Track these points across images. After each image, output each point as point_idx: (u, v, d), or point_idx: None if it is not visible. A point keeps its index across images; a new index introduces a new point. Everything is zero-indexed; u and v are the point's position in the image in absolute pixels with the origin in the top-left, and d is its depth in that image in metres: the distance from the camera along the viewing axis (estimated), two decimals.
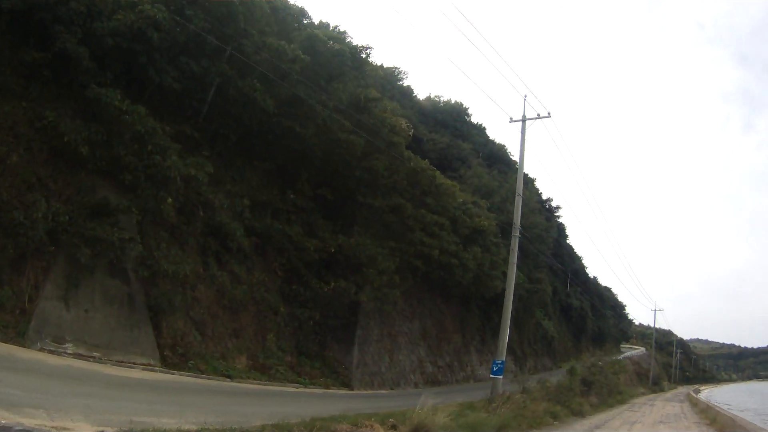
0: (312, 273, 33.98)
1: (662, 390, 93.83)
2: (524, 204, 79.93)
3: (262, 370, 27.50)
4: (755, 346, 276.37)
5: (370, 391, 34.52)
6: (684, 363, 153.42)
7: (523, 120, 32.09)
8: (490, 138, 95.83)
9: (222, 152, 31.07)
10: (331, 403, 23.05)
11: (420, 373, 41.91)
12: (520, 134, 31.95)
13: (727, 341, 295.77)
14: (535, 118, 32.42)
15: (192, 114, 29.05)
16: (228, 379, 24.37)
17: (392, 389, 37.56)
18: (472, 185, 68.27)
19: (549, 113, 32.17)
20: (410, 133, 48.28)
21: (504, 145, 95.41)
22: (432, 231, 42.10)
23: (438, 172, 47.60)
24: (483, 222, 51.68)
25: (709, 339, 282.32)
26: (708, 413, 36.22)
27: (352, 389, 33.08)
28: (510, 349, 64.68)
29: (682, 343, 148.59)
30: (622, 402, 49.99)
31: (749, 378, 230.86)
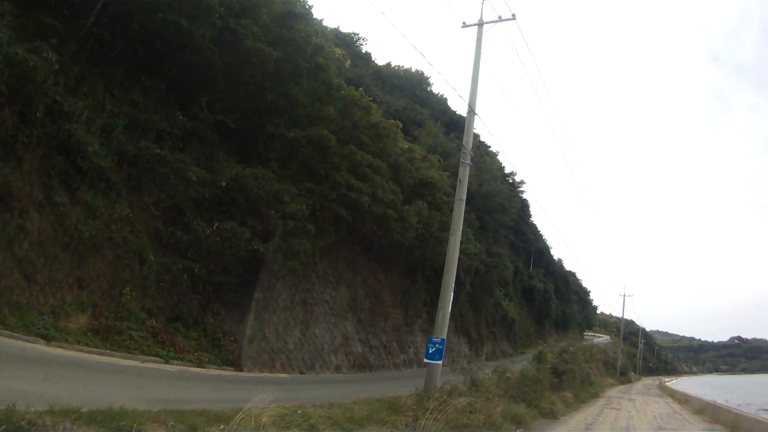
0: (201, 214, 25.91)
1: (629, 381, 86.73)
2: (484, 171, 72.58)
3: (105, 335, 20.01)
4: (715, 340, 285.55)
5: (265, 374, 25.77)
6: (646, 354, 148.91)
7: (480, 24, 23.06)
8: (452, 108, 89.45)
9: (101, 62, 24.45)
10: (157, 387, 16.11)
11: (345, 354, 32.37)
12: (475, 42, 22.79)
13: (687, 334, 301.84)
14: (496, 21, 23.42)
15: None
16: (42, 341, 17.31)
17: (302, 373, 28.20)
18: (425, 144, 59.50)
19: (513, 15, 23.15)
20: (346, 63, 38.69)
21: (462, 115, 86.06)
22: (363, 173, 32.48)
23: (375, 107, 37.85)
24: (432, 173, 41.93)
25: (669, 331, 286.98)
26: (715, 414, 28.00)
27: (241, 369, 24.63)
28: (464, 331, 55.91)
29: (645, 334, 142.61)
30: (595, 395, 41.44)
31: (709, 371, 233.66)
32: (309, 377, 28.05)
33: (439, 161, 49.34)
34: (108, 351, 19.12)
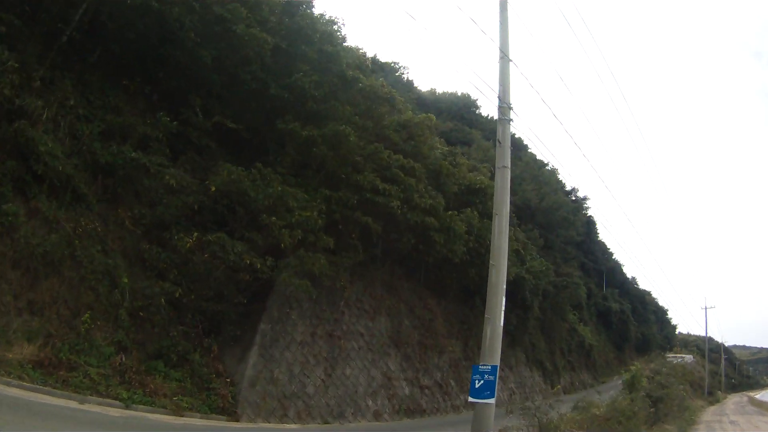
0: (189, 230, 20.55)
1: (717, 400, 77.17)
2: (543, 184, 65.77)
3: (51, 370, 15.51)
4: None
5: (272, 425, 19.62)
6: (728, 370, 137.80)
7: None
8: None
9: (77, 68, 21.12)
10: None
11: (387, 397, 25.68)
12: None
13: (766, 345, 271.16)
14: None
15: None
16: None
17: (326, 422, 21.68)
18: (475, 160, 52.69)
19: None
20: (367, 62, 32.68)
21: (514, 133, 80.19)
22: (392, 175, 26.05)
23: (402, 101, 31.77)
24: (481, 178, 35.26)
25: (747, 344, 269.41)
26: None
27: (237, 419, 18.69)
28: (537, 361, 48.06)
29: (725, 349, 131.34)
30: (692, 422, 33.14)
31: None
32: (336, 428, 21.39)
33: (490, 171, 42.48)
34: (52, 388, 14.69)
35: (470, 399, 13.07)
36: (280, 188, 21.67)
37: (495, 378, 12.69)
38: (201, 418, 17.58)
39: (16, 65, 17.50)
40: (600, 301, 77.38)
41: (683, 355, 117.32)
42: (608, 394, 27.88)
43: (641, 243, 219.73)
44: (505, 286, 13.70)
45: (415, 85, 79.53)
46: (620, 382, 28.60)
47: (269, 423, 19.53)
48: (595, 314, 74.60)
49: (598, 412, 19.95)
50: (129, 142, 20.32)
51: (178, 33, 21.94)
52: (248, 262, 19.98)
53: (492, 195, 34.89)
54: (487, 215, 33.52)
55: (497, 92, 15.27)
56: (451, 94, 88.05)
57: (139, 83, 22.43)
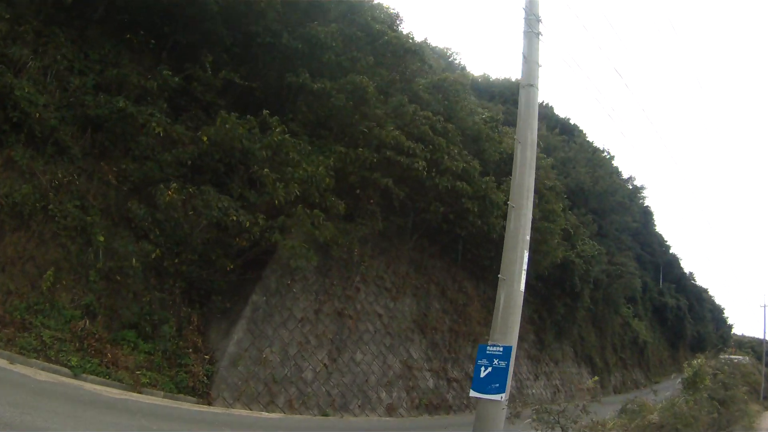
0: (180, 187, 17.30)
1: None
2: (597, 166, 60.88)
3: (1, 329, 13.42)
4: None
5: (250, 413, 16.20)
6: None
7: None
8: (558, 114, 79.10)
9: (77, 25, 18.71)
10: None
11: (405, 389, 21.83)
12: None
13: None
14: None
15: None
16: None
17: (325, 414, 17.82)
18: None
19: None
20: (397, 19, 29.05)
21: (569, 118, 77.08)
22: (420, 133, 21.96)
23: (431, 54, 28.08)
24: None
25: None
26: None
27: (210, 402, 15.55)
28: (586, 357, 43.42)
29: None
30: (750, 428, 28.09)
31: None
32: (332, 422, 17.62)
33: (540, 146, 38.05)
34: None
35: (472, 393, 9.40)
36: (279, 138, 17.94)
37: (508, 365, 8.98)
38: (164, 397, 14.62)
39: (7, 16, 16.16)
40: (656, 295, 71.77)
41: (738, 357, 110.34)
42: (663, 395, 23.35)
43: (700, 237, 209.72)
44: (528, 238, 10.04)
45: (468, 70, 75.16)
46: (678, 381, 23.57)
47: (250, 410, 16.08)
48: (650, 309, 69.10)
49: (651, 417, 15.50)
50: (123, 95, 17.41)
51: None
52: (234, 218, 16.48)
53: (538, 164, 31.07)
54: (538, 197, 29.41)
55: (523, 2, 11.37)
56: (505, 79, 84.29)
57: (143, 38, 19.36)
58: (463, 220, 24.07)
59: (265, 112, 18.74)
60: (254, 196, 17.65)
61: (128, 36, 19.06)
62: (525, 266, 9.83)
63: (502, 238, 25.91)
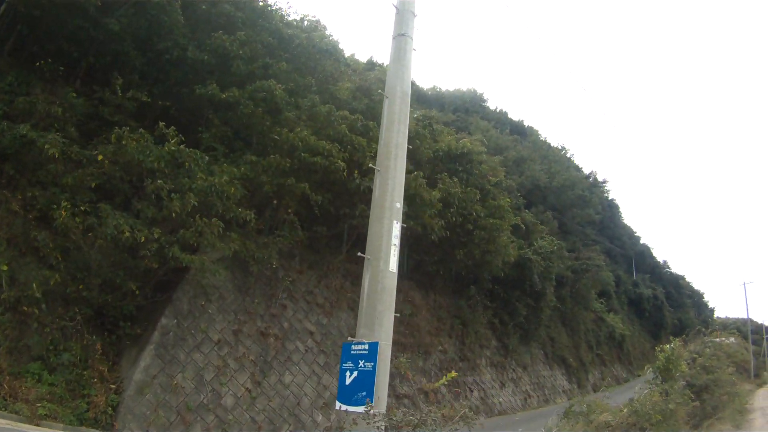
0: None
1: (765, 382, 70.70)
2: (553, 161, 60.51)
3: None
4: None
5: None
6: None
7: None
8: (513, 119, 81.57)
9: None
10: None
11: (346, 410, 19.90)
12: None
13: None
14: None
15: None
16: None
17: None
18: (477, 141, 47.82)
19: None
20: (319, 27, 28.32)
21: (522, 120, 78.12)
22: (336, 133, 20.99)
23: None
24: (464, 143, 30.22)
25: None
26: None
27: None
28: (559, 358, 42.35)
29: (766, 329, 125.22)
30: (742, 411, 26.55)
31: None
32: None
33: (482, 143, 37.25)
34: None
35: (338, 405, 7.78)
36: (172, 149, 16.80)
37: (375, 366, 7.38)
38: (63, 429, 13.60)
39: None
40: (630, 288, 71.66)
41: (724, 339, 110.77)
42: (636, 391, 21.85)
43: (671, 225, 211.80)
44: (399, 206, 8.66)
45: (417, 83, 76.76)
46: (649, 370, 21.75)
47: None
48: (626, 302, 68.86)
49: (610, 421, 13.85)
50: (31, 123, 16.70)
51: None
52: (127, 234, 15.32)
53: (479, 160, 30.17)
54: (475, 185, 28.43)
55: None
56: (456, 90, 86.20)
57: (52, 65, 18.67)
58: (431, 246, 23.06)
59: (161, 124, 17.69)
60: (152, 210, 16.45)
61: (38, 64, 18.53)
62: (397, 242, 8.54)
63: (442, 240, 25.07)
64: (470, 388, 28.02)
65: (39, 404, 13.71)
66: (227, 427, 16.22)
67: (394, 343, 23.19)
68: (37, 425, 13.19)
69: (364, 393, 7.31)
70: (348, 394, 7.55)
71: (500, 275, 31.76)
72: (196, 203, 16.32)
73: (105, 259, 16.23)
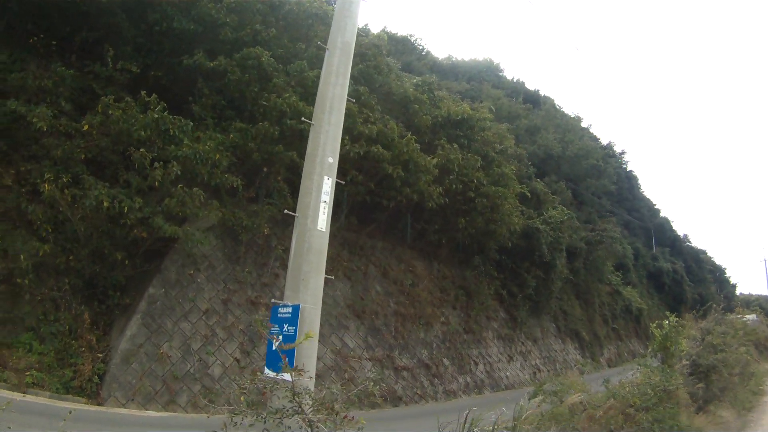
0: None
1: None
2: (566, 130, 60.01)
3: None
4: None
5: (144, 413, 15.10)
6: None
7: None
8: (529, 88, 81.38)
9: None
10: None
11: (342, 381, 20.15)
12: None
13: None
14: None
15: None
16: None
17: (236, 413, 16.16)
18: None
19: None
20: None
21: (538, 90, 77.99)
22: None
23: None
24: (464, 108, 30.01)
25: None
26: None
27: (101, 403, 14.76)
28: (572, 332, 42.25)
29: None
30: (760, 393, 24.77)
31: None
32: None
33: (491, 109, 36.93)
34: None
35: (266, 372, 7.56)
36: (155, 116, 16.92)
37: (296, 329, 7.46)
38: (50, 397, 14.07)
39: None
40: (649, 261, 71.06)
41: (746, 316, 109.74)
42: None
43: (692, 198, 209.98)
44: (332, 161, 8.69)
45: (433, 54, 77.17)
46: (650, 349, 20.04)
47: (146, 410, 15.08)
48: (644, 276, 68.37)
49: (578, 401, 12.66)
50: (23, 98, 17.23)
51: None
52: (107, 204, 15.61)
53: (482, 126, 30.00)
54: (478, 151, 28.28)
55: None
56: (471, 59, 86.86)
57: (44, 40, 18.99)
58: (388, 189, 22.93)
59: (143, 92, 17.78)
60: (136, 180, 16.59)
61: (32, 41, 18.77)
62: (327, 198, 8.41)
63: (442, 207, 25.03)
64: (475, 362, 28.01)
65: (27, 373, 14.22)
66: (214, 396, 16.34)
67: (393, 313, 23.32)
68: (24, 393, 13.63)
69: (288, 359, 6.63)
70: (274, 360, 7.29)
71: (507, 245, 31.60)
72: (179, 171, 16.47)
73: (93, 229, 16.54)
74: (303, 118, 9.80)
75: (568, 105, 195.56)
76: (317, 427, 5.50)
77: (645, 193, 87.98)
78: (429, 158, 23.81)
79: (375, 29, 52.85)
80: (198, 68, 20.53)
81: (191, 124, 18.03)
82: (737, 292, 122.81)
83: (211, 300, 18.10)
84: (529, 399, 12.11)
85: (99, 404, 14.57)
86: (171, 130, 17.23)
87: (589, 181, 56.35)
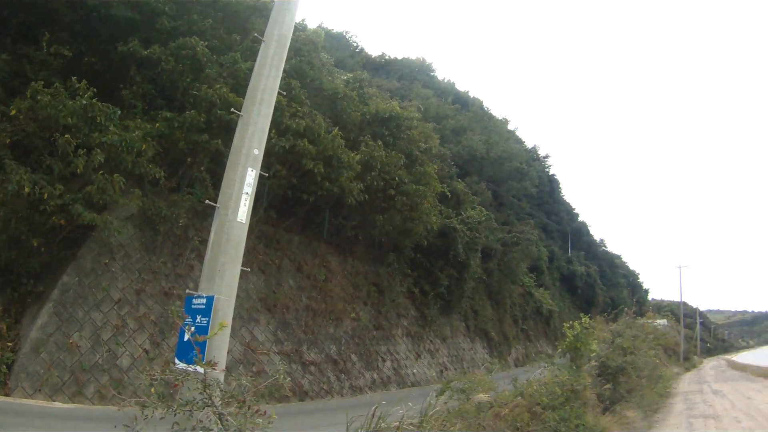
0: None
1: (694, 366, 74.98)
2: (493, 132, 61.97)
3: None
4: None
5: (53, 404, 15.47)
6: (703, 334, 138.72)
7: None
8: (460, 90, 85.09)
9: None
10: None
11: (250, 374, 20.83)
12: None
13: (739, 308, 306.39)
14: None
15: None
16: None
17: (146, 405, 16.79)
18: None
19: None
20: None
21: (467, 91, 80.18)
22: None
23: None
24: (393, 105, 31.15)
25: (721, 308, 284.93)
26: None
27: (7, 393, 15.07)
28: (481, 331, 44.07)
29: (699, 313, 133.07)
30: (665, 395, 26.47)
31: (766, 342, 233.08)
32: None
33: (419, 109, 38.22)
34: None
35: (177, 364, 7.51)
36: (85, 102, 17.40)
37: (209, 321, 7.52)
38: None
39: None
40: (564, 264, 74.62)
41: (657, 321, 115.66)
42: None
43: (610, 203, 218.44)
44: (257, 153, 8.86)
45: (367, 51, 79.85)
46: (559, 350, 20.85)
47: (53, 401, 15.56)
48: (558, 278, 71.81)
49: (486, 399, 13.13)
50: None
51: None
52: (28, 190, 15.94)
53: (409, 126, 31.19)
54: (402, 150, 29.41)
55: None
56: (404, 58, 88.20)
57: None
58: (310, 184, 23.84)
59: (73, 78, 18.18)
60: (59, 166, 17.01)
61: None
62: (250, 190, 8.57)
63: (361, 204, 26.06)
64: (383, 358, 29.30)
65: None
66: (121, 388, 16.99)
67: (305, 308, 24.29)
68: None
69: (199, 351, 6.68)
70: (185, 351, 7.36)
71: (423, 244, 32.91)
72: (102, 159, 16.97)
73: (12, 215, 16.64)
74: (233, 109, 10.32)
75: (496, 107, 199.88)
76: (227, 420, 5.62)
77: (565, 198, 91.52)
78: (353, 154, 24.83)
79: (312, 24, 53.59)
80: (132, 56, 21.02)
81: (119, 112, 18.52)
82: (649, 298, 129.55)
83: (124, 290, 18.66)
84: (436, 396, 12.37)
85: (6, 394, 14.90)
86: (98, 118, 17.66)
87: (510, 183, 58.50)
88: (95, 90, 17.97)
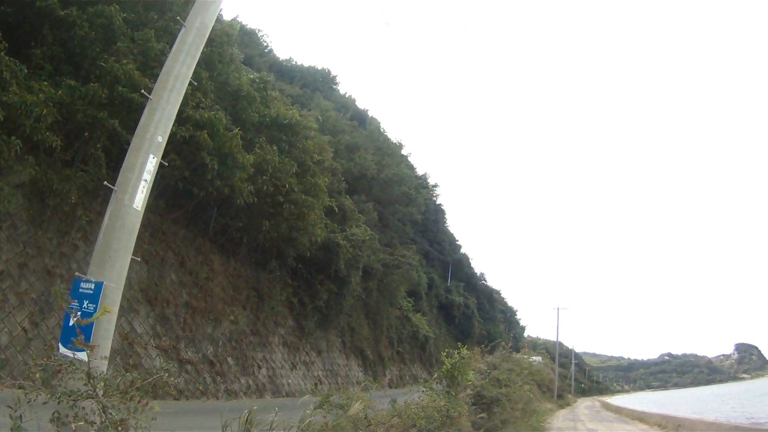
0: None
1: (568, 404, 78.79)
2: (386, 154, 63.76)
3: None
4: (645, 358, 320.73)
5: None
6: (578, 375, 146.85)
7: None
8: (359, 107, 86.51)
9: None
10: None
11: (125, 367, 21.32)
12: None
13: (616, 354, 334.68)
14: None
15: None
16: None
17: (20, 387, 16.24)
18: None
19: None
20: None
21: (367, 110, 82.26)
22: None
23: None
24: (293, 113, 32.12)
25: (597, 352, 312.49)
26: None
27: None
28: (357, 349, 45.29)
29: (575, 355, 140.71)
30: (538, 429, 28.02)
31: (641, 388, 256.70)
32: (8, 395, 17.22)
33: (318, 120, 39.45)
34: None
35: (60, 350, 7.35)
36: None
37: (96, 308, 7.40)
38: None
39: None
40: (443, 292, 77.17)
41: (533, 357, 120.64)
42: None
43: (493, 241, 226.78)
44: (161, 140, 8.81)
45: (275, 53, 79.99)
46: (435, 376, 21.49)
47: None
48: (436, 306, 74.33)
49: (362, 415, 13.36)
50: None
51: None
52: None
53: (304, 135, 32.24)
54: (296, 158, 30.42)
55: None
56: (310, 66, 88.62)
57: None
58: (202, 178, 24.35)
59: None
60: None
61: None
62: (149, 177, 8.52)
63: (249, 206, 26.75)
64: (259, 365, 29.92)
65: None
66: None
67: (185, 304, 24.76)
68: None
69: (83, 337, 6.57)
70: (70, 336, 6.90)
71: (306, 254, 33.73)
72: (1, 118, 16.98)
73: None
74: (143, 91, 10.48)
75: (393, 131, 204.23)
76: (110, 412, 5.71)
77: (449, 228, 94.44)
78: (247, 156, 25.60)
79: (228, 16, 54.04)
80: (49, 14, 20.83)
81: (26, 70, 18.54)
82: (525, 334, 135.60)
83: (8, 262, 18.38)
84: (314, 408, 12.31)
85: None
86: (3, 72, 17.64)
87: (397, 206, 60.19)
88: (6, 44, 17.95)
